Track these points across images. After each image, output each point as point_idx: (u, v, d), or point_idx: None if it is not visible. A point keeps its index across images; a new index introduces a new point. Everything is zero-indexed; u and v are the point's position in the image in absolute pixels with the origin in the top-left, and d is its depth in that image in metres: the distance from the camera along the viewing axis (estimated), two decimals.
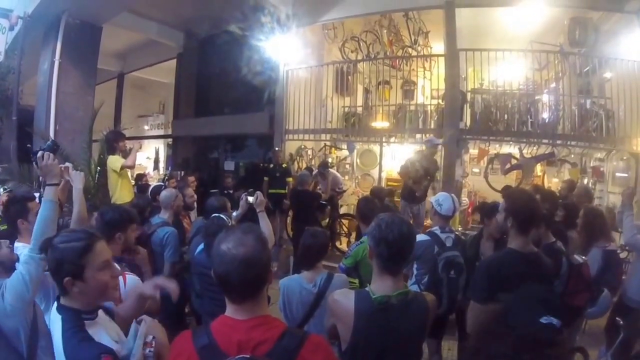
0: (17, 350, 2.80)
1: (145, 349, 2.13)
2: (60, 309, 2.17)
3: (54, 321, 2.18)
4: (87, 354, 1.99)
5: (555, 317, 1.73)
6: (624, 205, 5.12)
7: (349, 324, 2.39)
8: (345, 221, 10.92)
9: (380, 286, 2.45)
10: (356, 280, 4.43)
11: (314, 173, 10.28)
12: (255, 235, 1.84)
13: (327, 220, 10.38)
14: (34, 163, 3.11)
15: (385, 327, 2.37)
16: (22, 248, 3.33)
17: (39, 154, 3.06)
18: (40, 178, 8.61)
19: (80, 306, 2.18)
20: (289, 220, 10.45)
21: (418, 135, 10.45)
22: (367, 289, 2.49)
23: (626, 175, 9.08)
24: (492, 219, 4.87)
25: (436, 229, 4.68)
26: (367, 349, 2.38)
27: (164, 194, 5.54)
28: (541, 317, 1.71)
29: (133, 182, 9.30)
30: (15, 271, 2.80)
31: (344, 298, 2.49)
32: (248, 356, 1.61)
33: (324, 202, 9.87)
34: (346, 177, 12.28)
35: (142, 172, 13.83)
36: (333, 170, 10.90)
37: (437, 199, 4.85)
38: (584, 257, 4.36)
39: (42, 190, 7.11)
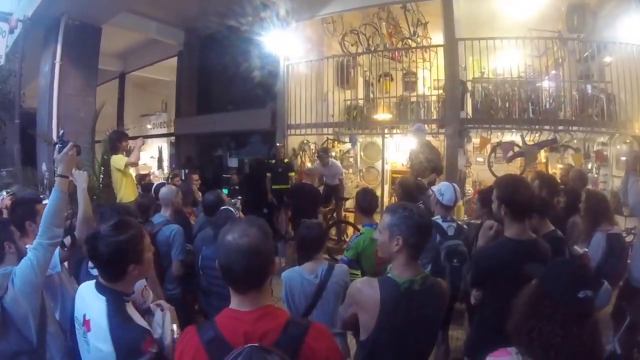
0: (26, 337, 2.86)
1: (172, 335, 2.31)
2: (103, 290, 2.32)
3: (92, 300, 2.32)
4: (132, 334, 2.17)
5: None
6: (629, 171, 5.05)
7: (373, 312, 2.43)
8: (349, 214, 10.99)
9: (404, 272, 2.50)
10: (358, 272, 4.43)
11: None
12: (258, 227, 1.89)
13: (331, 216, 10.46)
14: (57, 146, 3.13)
15: (409, 312, 2.43)
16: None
17: (70, 144, 3.10)
18: (45, 180, 8.72)
19: (124, 289, 2.36)
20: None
21: None
22: (389, 275, 2.54)
23: None
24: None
25: (438, 218, 4.66)
26: (391, 334, 2.42)
27: (163, 191, 5.51)
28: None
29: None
30: (24, 258, 2.87)
31: (367, 286, 2.52)
32: (257, 345, 1.63)
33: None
34: (350, 171, 12.29)
35: (146, 172, 13.92)
36: (334, 160, 10.86)
37: (439, 188, 4.83)
38: (585, 249, 4.34)
39: (47, 193, 7.16)
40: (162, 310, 2.52)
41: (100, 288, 2.33)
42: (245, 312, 1.86)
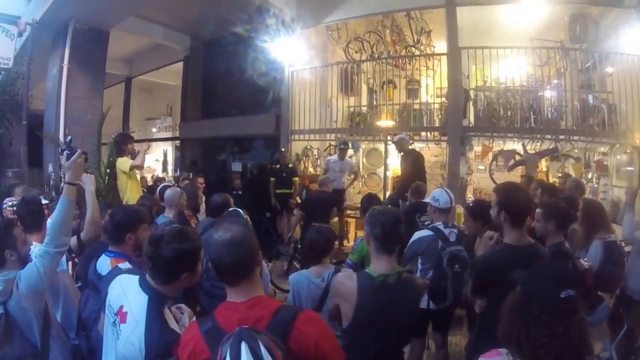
0: (30, 341, 2.90)
1: None
2: (148, 289, 2.37)
3: (134, 295, 2.38)
4: (167, 338, 2.22)
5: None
6: (627, 204, 5.13)
7: (352, 303, 2.65)
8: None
9: (378, 266, 2.75)
10: None
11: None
12: (240, 223, 2.11)
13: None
14: (65, 153, 3.15)
15: (384, 304, 2.63)
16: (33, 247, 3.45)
17: (79, 151, 3.12)
18: (52, 181, 8.78)
19: (168, 292, 2.42)
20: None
21: (423, 134, 10.56)
22: (366, 270, 2.81)
23: (631, 168, 9.09)
24: None
25: (439, 225, 4.71)
26: (368, 324, 2.59)
27: (168, 192, 5.55)
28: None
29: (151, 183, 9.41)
30: (29, 264, 2.92)
31: (348, 279, 2.79)
32: (247, 327, 1.75)
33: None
34: (352, 177, 12.36)
35: (161, 176, 14.05)
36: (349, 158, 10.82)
37: (432, 196, 4.92)
38: (590, 263, 4.37)
39: (53, 193, 7.20)
40: (182, 312, 2.59)
41: (145, 286, 2.38)
42: (239, 303, 2.03)
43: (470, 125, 9.84)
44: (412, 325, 2.84)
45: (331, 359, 2.04)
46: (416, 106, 11.38)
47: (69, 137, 3.34)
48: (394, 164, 11.91)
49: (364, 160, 12.67)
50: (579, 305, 1.91)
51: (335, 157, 10.44)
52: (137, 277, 2.45)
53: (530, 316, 1.89)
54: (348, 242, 10.45)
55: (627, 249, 5.75)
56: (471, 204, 5.48)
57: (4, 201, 5.97)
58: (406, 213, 6.57)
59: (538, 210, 4.16)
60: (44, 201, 5.27)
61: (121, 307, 2.37)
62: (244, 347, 1.64)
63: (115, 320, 2.37)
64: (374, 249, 2.78)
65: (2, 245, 2.98)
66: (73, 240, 3.69)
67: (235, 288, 2.06)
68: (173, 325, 2.36)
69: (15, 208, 5.69)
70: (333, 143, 11.60)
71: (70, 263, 5.06)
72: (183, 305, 2.70)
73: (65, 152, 3.17)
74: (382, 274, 2.68)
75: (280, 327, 1.93)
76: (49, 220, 3.69)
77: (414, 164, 8.75)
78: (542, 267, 2.21)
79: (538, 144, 9.41)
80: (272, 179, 10.64)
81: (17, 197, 6.39)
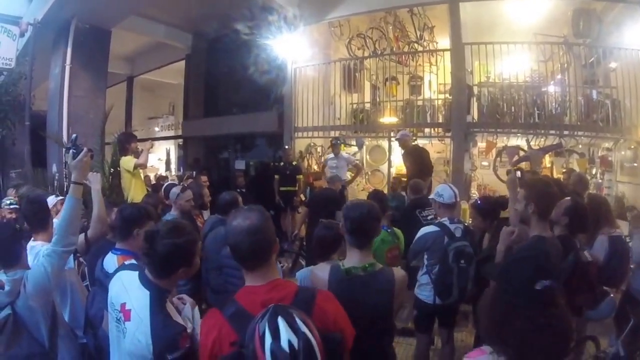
0: (38, 340, 2.92)
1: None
2: (148, 284, 2.40)
3: (135, 291, 2.40)
4: (171, 331, 2.28)
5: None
6: (633, 228, 5.05)
7: None
8: None
9: (349, 259, 2.86)
10: None
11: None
12: (257, 211, 2.14)
13: None
14: (70, 151, 3.13)
15: (352, 296, 2.64)
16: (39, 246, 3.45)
17: (85, 150, 3.12)
18: (56, 181, 8.78)
19: (167, 286, 2.46)
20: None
21: (426, 130, 10.54)
22: (338, 262, 2.92)
23: (635, 164, 9.08)
24: None
25: (445, 220, 4.69)
26: None
27: (173, 191, 5.54)
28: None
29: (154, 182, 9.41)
30: (37, 263, 2.94)
31: (321, 271, 2.89)
32: (280, 304, 1.84)
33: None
34: (355, 172, 12.33)
35: (164, 175, 14.06)
36: (343, 153, 10.71)
37: (436, 192, 4.90)
38: (591, 257, 4.35)
39: (57, 193, 7.19)
40: (184, 304, 2.64)
41: (145, 281, 2.40)
42: (259, 286, 2.11)
43: (474, 121, 9.83)
44: (385, 318, 2.84)
45: (346, 334, 2.12)
46: (419, 102, 11.36)
47: (74, 135, 3.31)
48: (398, 160, 11.90)
49: (368, 157, 12.67)
50: (558, 294, 1.91)
51: (329, 157, 10.41)
52: (137, 272, 2.48)
53: (510, 312, 1.90)
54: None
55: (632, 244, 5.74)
56: (479, 202, 5.45)
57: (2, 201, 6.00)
58: (407, 209, 6.59)
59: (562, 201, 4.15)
60: (57, 197, 5.31)
61: (123, 304, 2.40)
62: (281, 321, 1.72)
63: (119, 317, 2.40)
64: (347, 242, 2.90)
65: (15, 242, 3.01)
66: (80, 239, 3.69)
67: (254, 272, 2.13)
68: (177, 318, 2.40)
69: (12, 207, 5.72)
70: None
71: (75, 262, 5.09)
72: (184, 296, 2.76)
73: (71, 151, 3.13)
74: (350, 267, 2.77)
75: (303, 306, 1.99)
76: (55, 220, 3.70)
77: (417, 160, 8.71)
78: (516, 260, 2.21)
79: (542, 139, 9.35)
80: (276, 176, 10.63)
81: (13, 197, 6.43)
